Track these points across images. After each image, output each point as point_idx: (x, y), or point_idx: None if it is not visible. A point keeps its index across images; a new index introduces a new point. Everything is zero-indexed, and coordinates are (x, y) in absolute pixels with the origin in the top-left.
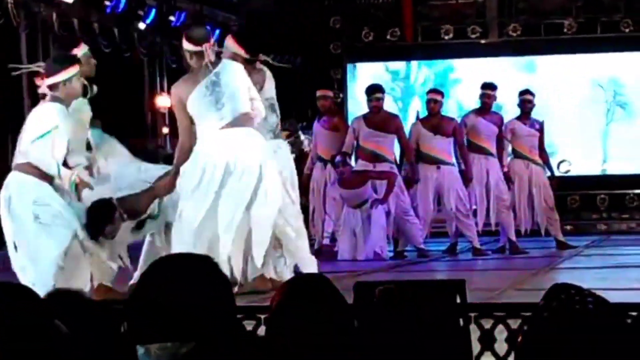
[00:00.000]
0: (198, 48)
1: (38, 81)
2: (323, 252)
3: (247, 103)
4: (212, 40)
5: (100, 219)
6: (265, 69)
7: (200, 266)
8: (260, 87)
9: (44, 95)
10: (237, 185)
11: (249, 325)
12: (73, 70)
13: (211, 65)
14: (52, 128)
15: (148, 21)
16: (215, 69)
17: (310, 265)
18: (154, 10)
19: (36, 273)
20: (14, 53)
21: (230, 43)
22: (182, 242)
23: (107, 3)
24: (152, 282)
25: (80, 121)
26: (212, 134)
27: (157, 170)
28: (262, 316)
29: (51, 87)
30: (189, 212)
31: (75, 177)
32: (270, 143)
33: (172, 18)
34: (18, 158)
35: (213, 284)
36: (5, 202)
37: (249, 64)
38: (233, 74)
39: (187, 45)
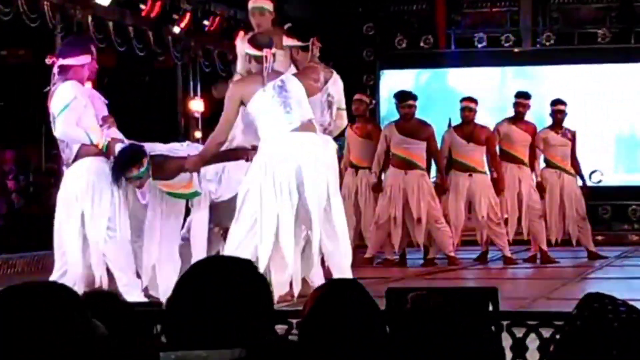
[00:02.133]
0: (259, 53)
1: (49, 60)
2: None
3: (310, 111)
4: (273, 49)
5: (128, 159)
6: (334, 71)
7: (241, 269)
8: (322, 85)
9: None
10: (308, 198)
11: (280, 329)
12: (85, 58)
13: (275, 74)
14: (70, 100)
15: (182, 25)
16: (279, 76)
17: (343, 271)
18: (188, 15)
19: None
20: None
21: (285, 40)
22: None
23: (142, 6)
24: (191, 284)
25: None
26: (281, 137)
27: (191, 149)
28: (294, 321)
29: (61, 69)
30: (254, 214)
31: (105, 139)
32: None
33: (206, 22)
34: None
35: (253, 287)
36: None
37: (305, 51)
38: (297, 85)
39: (249, 49)
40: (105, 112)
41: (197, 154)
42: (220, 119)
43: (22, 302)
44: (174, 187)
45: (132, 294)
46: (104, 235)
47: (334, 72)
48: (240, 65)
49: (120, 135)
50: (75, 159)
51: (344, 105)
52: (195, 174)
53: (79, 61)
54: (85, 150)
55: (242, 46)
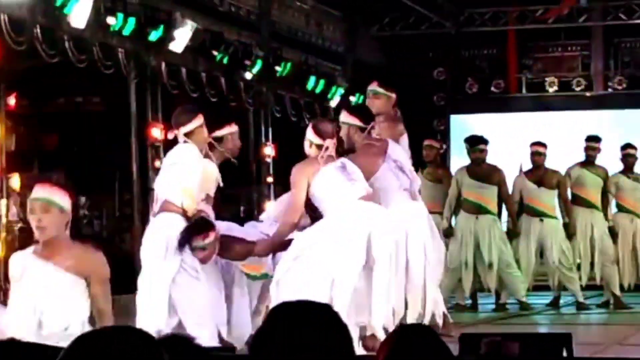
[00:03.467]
0: (321, 142)
1: (171, 134)
2: None
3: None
4: (335, 139)
5: (194, 229)
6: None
7: (322, 314)
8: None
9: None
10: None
11: None
12: (198, 120)
13: (330, 158)
14: (180, 162)
15: (254, 71)
16: (340, 159)
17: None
18: (260, 60)
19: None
20: (123, 102)
21: (344, 116)
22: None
23: (215, 53)
24: (273, 329)
25: (205, 174)
26: (350, 204)
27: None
28: None
29: (187, 135)
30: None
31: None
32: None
33: (278, 68)
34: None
35: (334, 333)
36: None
37: (362, 132)
38: (356, 168)
39: (311, 136)
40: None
41: (269, 239)
42: (291, 202)
43: (101, 347)
44: (245, 267)
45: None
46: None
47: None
48: None
49: (211, 213)
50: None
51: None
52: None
53: (194, 125)
54: (167, 206)
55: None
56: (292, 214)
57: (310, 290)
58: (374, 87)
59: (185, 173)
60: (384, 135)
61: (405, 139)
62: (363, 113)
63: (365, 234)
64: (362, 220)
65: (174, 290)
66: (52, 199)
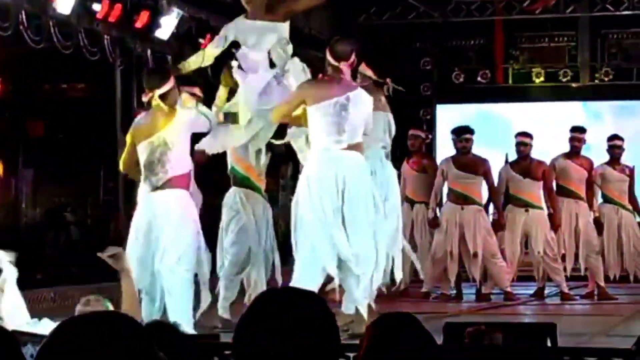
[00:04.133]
0: (336, 63)
1: (145, 97)
2: (411, 293)
3: (361, 135)
4: (351, 59)
5: None
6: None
7: (307, 302)
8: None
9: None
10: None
11: None
12: (171, 82)
13: (347, 86)
14: None
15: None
16: (349, 91)
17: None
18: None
19: None
20: (109, 89)
21: (362, 67)
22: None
23: (201, 40)
24: (258, 316)
25: None
26: (326, 154)
27: None
28: (351, 355)
29: (161, 97)
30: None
31: None
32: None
33: None
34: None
35: (319, 320)
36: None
37: (377, 86)
38: (362, 105)
39: (328, 56)
40: None
41: None
42: (276, 108)
43: (85, 332)
44: None
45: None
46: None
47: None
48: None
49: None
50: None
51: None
52: None
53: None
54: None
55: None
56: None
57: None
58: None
59: None
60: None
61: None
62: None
63: (336, 193)
64: (332, 178)
65: None
66: None
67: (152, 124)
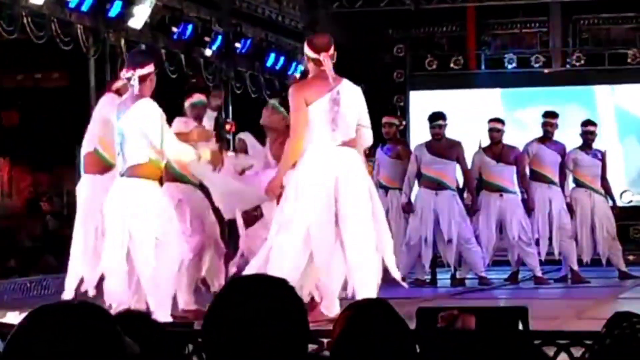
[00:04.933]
0: (316, 55)
1: (127, 72)
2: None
3: (354, 129)
4: (331, 51)
5: None
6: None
7: (277, 289)
8: None
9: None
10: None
11: (310, 349)
12: (152, 66)
13: (332, 80)
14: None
15: (214, 48)
16: (336, 84)
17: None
18: (220, 37)
19: None
20: (83, 78)
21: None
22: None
23: (175, 29)
24: (227, 303)
25: None
26: (322, 151)
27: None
28: (325, 340)
29: (141, 78)
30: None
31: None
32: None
33: (237, 45)
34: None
35: (288, 307)
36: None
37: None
38: (353, 96)
39: (307, 51)
40: None
41: (274, 177)
42: (295, 128)
43: (54, 322)
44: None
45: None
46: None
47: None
48: None
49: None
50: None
51: (367, 123)
52: None
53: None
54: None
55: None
56: (296, 140)
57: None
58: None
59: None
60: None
61: None
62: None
63: (332, 190)
64: (327, 175)
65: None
66: None
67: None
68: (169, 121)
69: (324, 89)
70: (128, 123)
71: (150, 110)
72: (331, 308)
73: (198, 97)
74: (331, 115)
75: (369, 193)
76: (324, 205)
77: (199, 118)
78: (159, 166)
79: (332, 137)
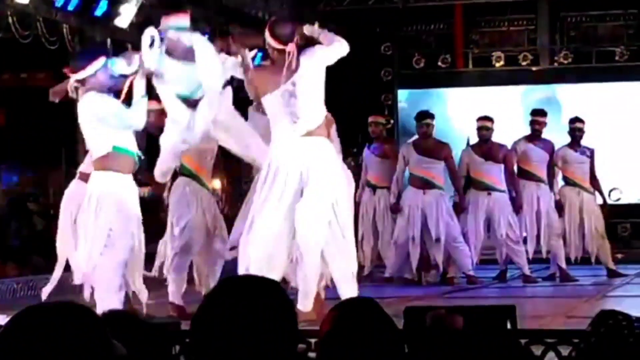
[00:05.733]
0: (281, 46)
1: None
2: (373, 277)
3: (320, 115)
4: (295, 39)
5: None
6: None
7: (266, 289)
8: None
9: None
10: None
11: (299, 349)
12: (99, 63)
13: (289, 70)
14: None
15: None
16: (293, 76)
17: (347, 280)
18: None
19: None
20: (68, 78)
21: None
22: (257, 254)
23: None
24: (216, 304)
25: None
26: (285, 142)
27: None
28: (313, 340)
29: (82, 82)
30: (262, 224)
31: None
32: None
33: None
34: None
35: (277, 308)
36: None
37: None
38: (310, 82)
39: (271, 41)
40: None
41: None
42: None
43: (41, 322)
44: None
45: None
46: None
47: None
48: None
49: None
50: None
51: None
52: None
53: (92, 69)
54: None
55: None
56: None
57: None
58: None
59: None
60: None
61: None
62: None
63: (297, 180)
64: (295, 166)
65: None
66: None
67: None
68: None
69: (278, 80)
70: (81, 120)
71: (93, 98)
72: (305, 302)
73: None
74: (288, 108)
75: (333, 182)
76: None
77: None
78: (127, 155)
79: (293, 128)
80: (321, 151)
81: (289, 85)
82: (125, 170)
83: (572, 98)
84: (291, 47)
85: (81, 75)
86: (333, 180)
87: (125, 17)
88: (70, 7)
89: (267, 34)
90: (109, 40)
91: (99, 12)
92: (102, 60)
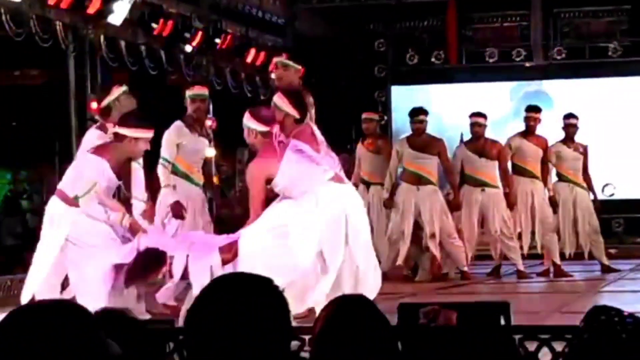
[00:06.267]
0: (267, 129)
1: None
2: None
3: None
4: (278, 119)
5: (147, 268)
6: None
7: (259, 287)
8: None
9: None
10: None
11: (292, 346)
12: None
13: (280, 148)
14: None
15: (194, 44)
16: (289, 143)
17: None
18: (200, 33)
19: None
20: (62, 75)
21: (280, 102)
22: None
23: (154, 25)
24: (210, 302)
25: None
26: (322, 184)
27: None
28: (307, 337)
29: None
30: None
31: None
32: None
33: (217, 40)
34: None
35: (271, 306)
36: None
37: (299, 124)
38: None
39: (254, 125)
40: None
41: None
42: (253, 200)
43: (35, 321)
44: None
45: None
46: None
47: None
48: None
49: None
50: None
51: None
52: None
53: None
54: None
55: None
56: (255, 211)
57: (296, 260)
58: (282, 59)
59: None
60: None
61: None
62: (301, 105)
63: (343, 212)
64: (338, 199)
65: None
66: None
67: None
68: (153, 119)
69: (279, 154)
70: None
71: None
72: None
73: (199, 90)
74: (306, 158)
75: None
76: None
77: (199, 114)
78: None
79: (321, 170)
80: (354, 196)
81: (291, 147)
82: None
83: (565, 94)
84: (275, 127)
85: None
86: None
87: (118, 14)
88: (63, 5)
89: (251, 122)
90: (102, 37)
91: (92, 9)
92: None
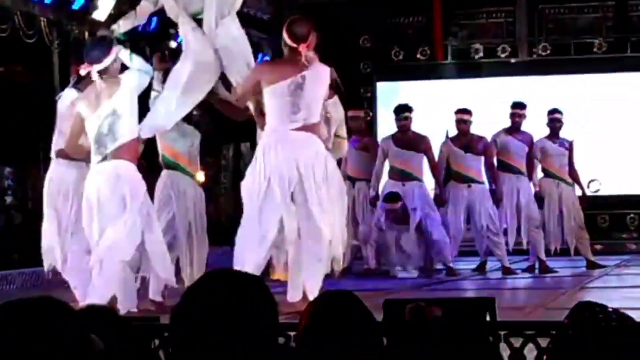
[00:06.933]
0: (294, 45)
1: (83, 70)
2: (352, 270)
3: (319, 114)
4: (309, 40)
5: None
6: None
7: (246, 283)
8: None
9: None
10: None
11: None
12: (115, 51)
13: (301, 67)
14: None
15: (179, 40)
16: (305, 70)
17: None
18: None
19: None
20: (46, 71)
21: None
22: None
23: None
24: (196, 298)
25: None
26: (281, 134)
27: None
28: (292, 333)
29: (104, 71)
30: (254, 221)
31: None
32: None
33: None
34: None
35: (258, 302)
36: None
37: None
38: (318, 82)
39: (285, 37)
40: None
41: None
42: (240, 91)
43: (18, 318)
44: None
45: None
46: None
47: (335, 95)
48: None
49: None
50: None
51: (344, 134)
52: None
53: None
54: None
55: None
56: (240, 99)
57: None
58: None
59: None
60: None
61: None
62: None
63: (289, 174)
64: (286, 160)
65: None
66: None
67: (96, 96)
68: (140, 115)
69: (287, 73)
70: (122, 99)
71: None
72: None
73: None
74: (292, 98)
75: (327, 179)
76: (280, 188)
77: None
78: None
79: (292, 119)
80: (312, 147)
81: (298, 78)
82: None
83: (550, 90)
84: (303, 47)
85: (104, 64)
86: (322, 177)
87: (102, 10)
88: (47, 1)
89: (284, 31)
90: (86, 34)
91: (76, 5)
92: (116, 49)
